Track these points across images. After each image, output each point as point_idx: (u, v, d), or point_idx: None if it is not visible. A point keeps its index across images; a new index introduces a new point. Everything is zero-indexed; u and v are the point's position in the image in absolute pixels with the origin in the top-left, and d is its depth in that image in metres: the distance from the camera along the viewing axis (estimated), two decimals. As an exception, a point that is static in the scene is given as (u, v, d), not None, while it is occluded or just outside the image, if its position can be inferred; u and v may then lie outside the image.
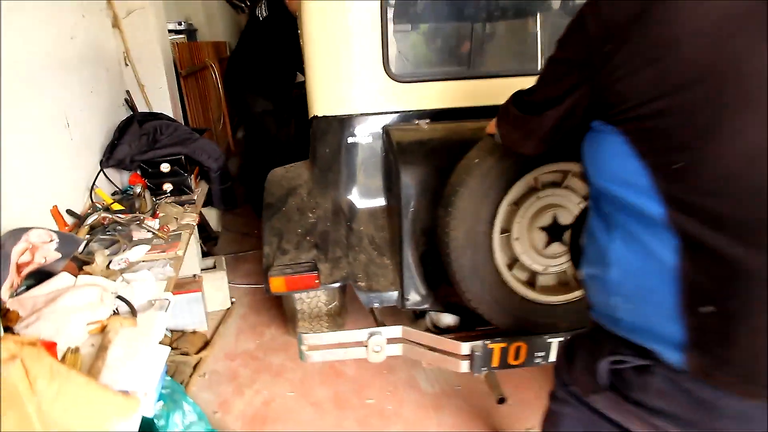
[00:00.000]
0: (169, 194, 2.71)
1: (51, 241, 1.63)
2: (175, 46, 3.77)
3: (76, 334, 1.48)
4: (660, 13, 0.85)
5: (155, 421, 1.68)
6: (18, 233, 1.57)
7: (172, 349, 2.46)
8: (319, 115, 2.22)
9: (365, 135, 2.24)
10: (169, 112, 3.29)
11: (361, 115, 2.21)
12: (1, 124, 1.77)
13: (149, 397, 1.33)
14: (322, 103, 2.20)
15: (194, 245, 2.91)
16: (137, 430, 1.22)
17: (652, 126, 0.89)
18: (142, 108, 3.21)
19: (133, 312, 1.64)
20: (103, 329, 1.54)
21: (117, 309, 1.63)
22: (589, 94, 0.99)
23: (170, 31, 3.92)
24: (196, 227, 2.47)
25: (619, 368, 1.06)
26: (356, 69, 2.13)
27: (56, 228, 2.00)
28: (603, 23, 0.92)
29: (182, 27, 4.60)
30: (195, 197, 2.71)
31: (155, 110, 3.24)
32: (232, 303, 3.17)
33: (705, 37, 0.83)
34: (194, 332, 2.81)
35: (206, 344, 2.73)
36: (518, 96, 1.26)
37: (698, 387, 0.96)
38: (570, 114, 1.06)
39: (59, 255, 1.65)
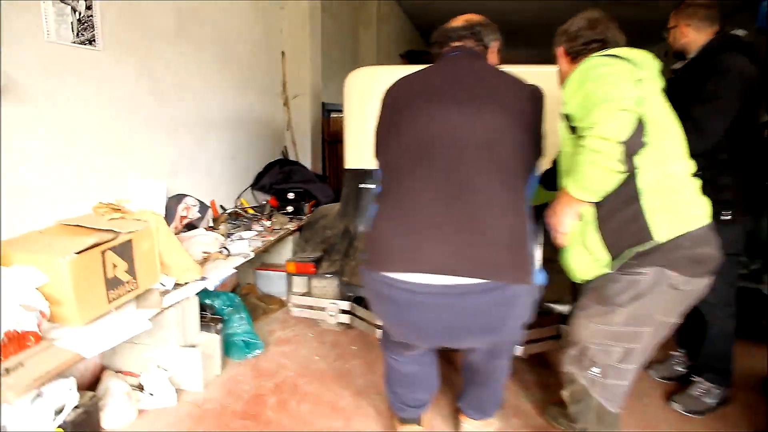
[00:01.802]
0: (290, 214, 4.04)
1: (195, 205, 3.01)
2: (326, 121, 5.31)
3: (196, 254, 2.78)
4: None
5: (211, 299, 2.84)
6: (179, 197, 2.98)
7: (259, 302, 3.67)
8: (345, 167, 3.33)
9: (371, 183, 3.17)
10: (307, 164, 4.75)
11: (370, 169, 3.09)
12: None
13: (212, 281, 2.54)
14: (347, 159, 3.30)
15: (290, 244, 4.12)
16: (197, 290, 2.43)
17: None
18: (292, 158, 4.72)
19: (228, 253, 2.92)
20: (209, 256, 2.83)
21: (221, 250, 2.92)
22: None
23: (332, 110, 5.44)
24: (294, 231, 3.73)
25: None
26: (368, 137, 3.21)
27: (211, 213, 3.43)
28: None
29: (339, 107, 6.20)
30: (304, 217, 4.01)
31: (299, 160, 4.74)
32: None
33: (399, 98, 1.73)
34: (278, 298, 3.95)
35: (281, 304, 3.83)
36: None
37: None
38: None
39: (199, 215, 3.02)
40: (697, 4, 2.34)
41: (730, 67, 2.14)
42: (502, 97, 1.64)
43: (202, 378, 2.52)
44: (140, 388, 2.38)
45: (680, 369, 2.72)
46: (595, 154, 1.43)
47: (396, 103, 1.72)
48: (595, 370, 1.75)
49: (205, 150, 3.43)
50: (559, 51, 1.85)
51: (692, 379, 2.52)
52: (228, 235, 3.24)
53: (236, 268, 2.82)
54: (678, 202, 1.60)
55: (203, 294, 2.65)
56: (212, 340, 2.63)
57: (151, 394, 2.36)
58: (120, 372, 2.45)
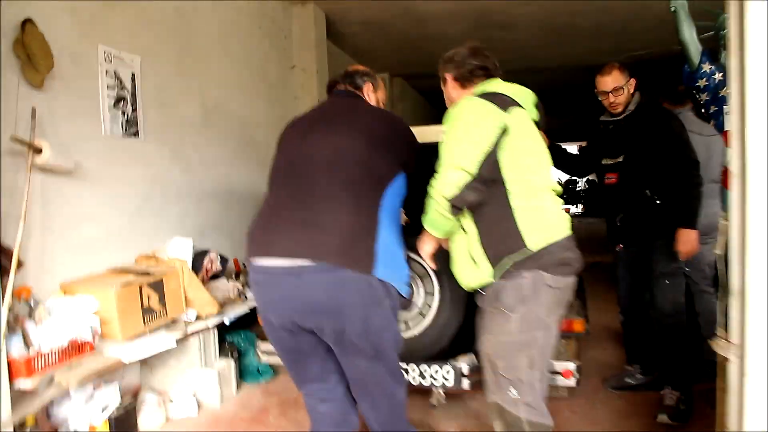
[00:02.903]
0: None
1: (218, 259, 3.70)
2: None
3: (218, 297, 3.42)
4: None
5: (232, 336, 3.45)
6: (205, 252, 3.67)
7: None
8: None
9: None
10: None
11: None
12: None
13: (228, 317, 3.18)
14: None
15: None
16: (216, 322, 3.07)
17: None
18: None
19: (245, 298, 3.56)
20: (228, 299, 3.47)
21: (239, 295, 3.57)
22: None
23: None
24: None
25: None
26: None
27: (233, 267, 4.10)
28: None
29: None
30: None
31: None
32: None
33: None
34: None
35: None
36: None
37: None
38: None
39: (221, 267, 3.71)
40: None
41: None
42: (357, 124, 2.01)
43: (219, 395, 3.10)
44: (170, 401, 2.99)
45: (630, 381, 3.13)
46: (432, 200, 1.77)
47: (283, 135, 2.14)
48: (513, 391, 1.84)
49: (228, 215, 4.15)
50: (449, 77, 2.08)
51: (662, 393, 2.82)
52: (246, 284, 3.90)
53: (251, 309, 3.45)
54: (544, 218, 1.85)
55: (226, 333, 3.28)
56: (228, 365, 3.23)
57: (177, 406, 2.96)
58: (153, 389, 3.06)
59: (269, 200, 2.02)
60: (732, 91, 1.26)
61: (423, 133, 2.33)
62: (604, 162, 3.06)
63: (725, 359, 1.33)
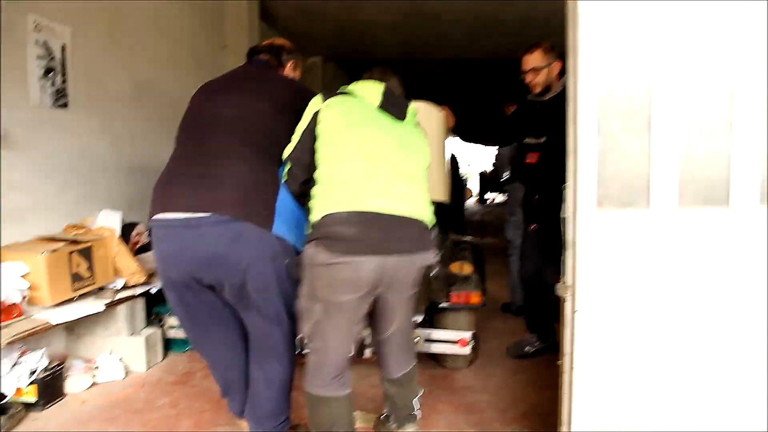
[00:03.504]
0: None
1: (145, 232, 3.78)
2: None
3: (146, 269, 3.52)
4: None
5: (159, 307, 3.57)
6: (133, 225, 3.74)
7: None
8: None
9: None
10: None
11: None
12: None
13: (155, 287, 3.29)
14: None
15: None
16: (142, 290, 3.18)
17: None
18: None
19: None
20: (155, 270, 3.57)
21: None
22: None
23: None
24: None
25: None
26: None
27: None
28: None
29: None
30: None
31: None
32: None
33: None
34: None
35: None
36: None
37: None
38: None
39: (148, 239, 3.78)
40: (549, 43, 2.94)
41: None
42: (266, 88, 2.07)
43: (145, 361, 3.22)
44: (96, 367, 3.08)
45: (529, 349, 3.43)
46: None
47: (193, 96, 2.17)
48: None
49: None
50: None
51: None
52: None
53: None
54: (334, 191, 1.82)
55: (153, 306, 3.39)
56: (155, 333, 3.34)
57: (103, 371, 3.06)
58: (81, 357, 3.14)
59: (172, 158, 2.05)
60: (569, 85, 1.59)
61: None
62: (526, 141, 3.14)
63: (563, 299, 1.67)
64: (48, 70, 3.11)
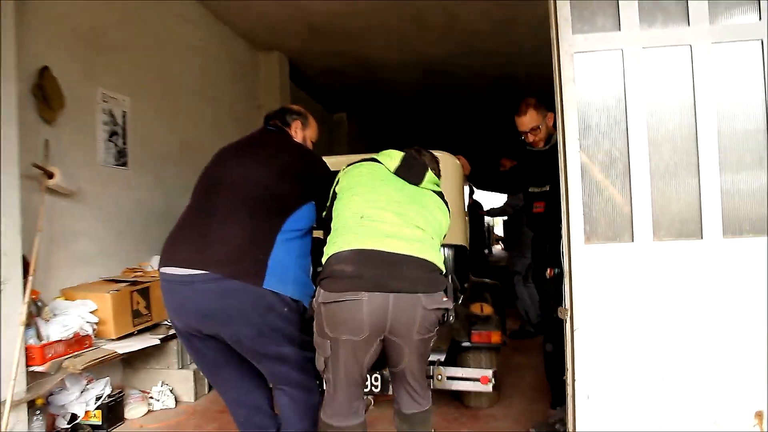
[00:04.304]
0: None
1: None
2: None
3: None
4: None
5: None
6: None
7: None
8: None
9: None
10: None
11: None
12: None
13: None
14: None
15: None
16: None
17: None
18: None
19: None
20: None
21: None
22: None
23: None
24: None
25: None
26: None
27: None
28: None
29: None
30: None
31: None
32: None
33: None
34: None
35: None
36: None
37: None
38: None
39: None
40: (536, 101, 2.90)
41: None
42: (271, 153, 2.19)
43: (193, 392, 3.53)
44: (150, 397, 3.40)
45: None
46: None
47: (215, 154, 2.32)
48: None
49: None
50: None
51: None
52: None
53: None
54: (340, 236, 1.97)
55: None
56: (202, 366, 3.65)
57: (158, 400, 3.38)
58: (136, 387, 3.46)
59: (181, 215, 2.19)
60: (559, 143, 1.92)
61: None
62: (531, 190, 3.10)
63: (564, 321, 1.95)
64: (112, 134, 3.58)
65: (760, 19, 1.95)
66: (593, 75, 2.04)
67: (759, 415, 1.90)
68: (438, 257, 2.00)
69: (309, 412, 2.21)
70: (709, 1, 1.97)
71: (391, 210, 1.98)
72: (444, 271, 2.03)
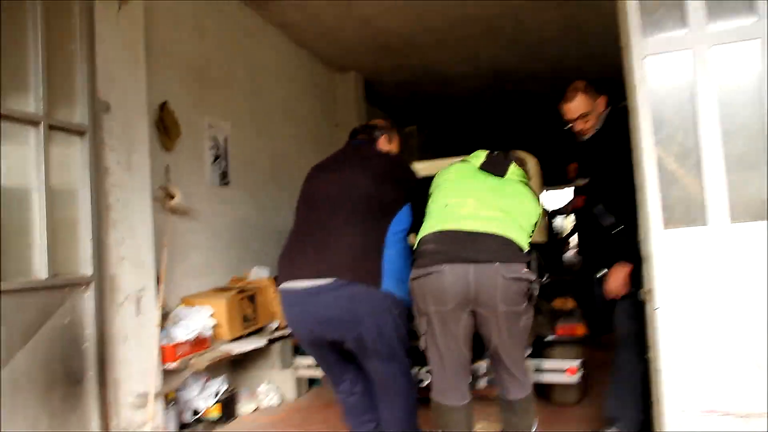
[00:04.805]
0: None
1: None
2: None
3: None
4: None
5: None
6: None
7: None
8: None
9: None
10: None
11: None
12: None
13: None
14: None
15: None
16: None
17: None
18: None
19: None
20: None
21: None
22: None
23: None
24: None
25: None
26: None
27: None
28: None
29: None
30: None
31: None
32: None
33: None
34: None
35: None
36: None
37: None
38: None
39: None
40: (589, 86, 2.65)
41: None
42: (365, 164, 2.34)
43: (296, 390, 3.84)
44: (258, 394, 3.73)
45: None
46: None
47: (307, 176, 2.51)
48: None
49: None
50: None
51: None
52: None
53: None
54: (428, 222, 2.18)
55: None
56: (306, 366, 3.96)
57: (265, 397, 3.70)
58: (245, 386, 3.81)
59: (292, 232, 2.38)
60: (634, 138, 2.05)
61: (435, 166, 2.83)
62: (575, 184, 3.00)
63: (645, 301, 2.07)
64: (216, 157, 3.98)
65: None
66: (665, 74, 2.14)
67: None
68: (520, 237, 2.10)
69: (409, 421, 2.36)
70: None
71: (472, 197, 2.17)
72: (528, 249, 2.13)
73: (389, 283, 2.15)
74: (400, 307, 2.21)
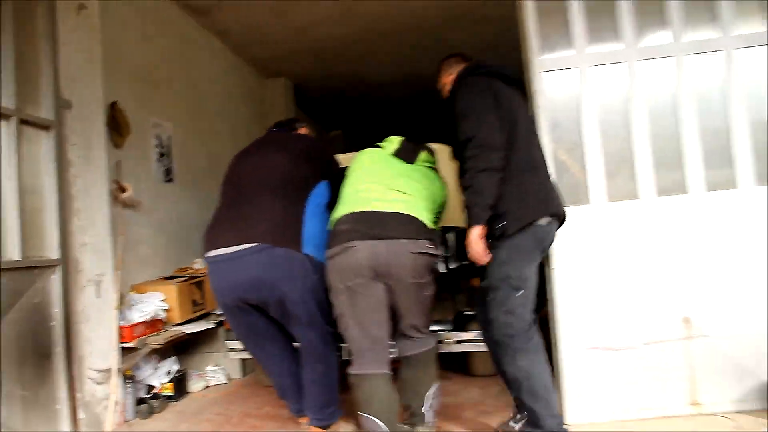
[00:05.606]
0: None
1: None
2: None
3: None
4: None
5: None
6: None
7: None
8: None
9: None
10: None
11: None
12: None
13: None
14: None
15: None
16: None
17: None
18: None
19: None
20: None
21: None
22: None
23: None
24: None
25: None
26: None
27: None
28: None
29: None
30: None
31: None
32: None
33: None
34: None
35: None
36: None
37: None
38: None
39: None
40: (450, 58, 2.67)
41: (470, 83, 2.30)
42: (284, 145, 2.56)
43: (241, 370, 4.14)
44: (205, 375, 4.00)
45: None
46: None
47: (231, 162, 2.71)
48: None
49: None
50: None
51: None
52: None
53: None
54: (340, 205, 2.40)
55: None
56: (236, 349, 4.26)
57: (212, 377, 3.98)
58: (193, 368, 4.06)
59: (217, 209, 2.54)
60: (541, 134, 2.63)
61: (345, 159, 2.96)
62: None
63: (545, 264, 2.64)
64: (161, 155, 4.22)
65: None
66: (557, 85, 2.74)
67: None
68: (425, 216, 2.28)
69: (330, 386, 2.52)
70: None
71: (380, 182, 2.36)
72: (432, 227, 2.31)
73: (309, 248, 2.32)
74: (320, 272, 2.33)
